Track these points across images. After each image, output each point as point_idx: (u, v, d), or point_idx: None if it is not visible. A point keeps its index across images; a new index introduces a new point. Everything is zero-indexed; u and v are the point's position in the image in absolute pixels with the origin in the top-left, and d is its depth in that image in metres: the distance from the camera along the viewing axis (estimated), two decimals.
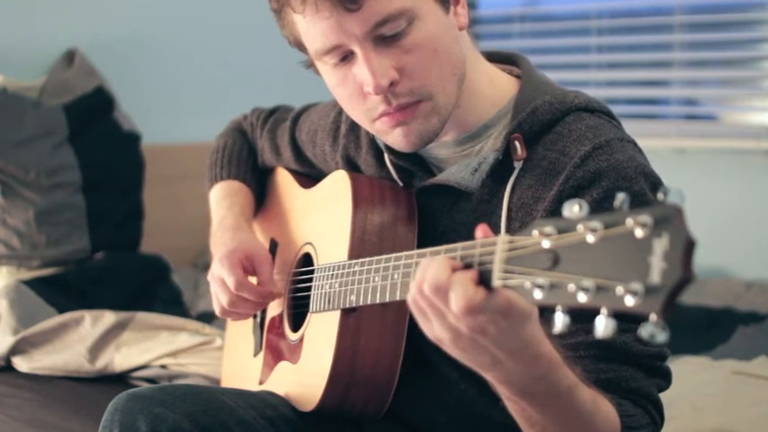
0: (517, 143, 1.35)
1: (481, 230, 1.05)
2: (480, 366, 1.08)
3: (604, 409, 1.18)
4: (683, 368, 2.30)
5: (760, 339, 2.60)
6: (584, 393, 1.14)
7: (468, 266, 1.03)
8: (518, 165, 1.35)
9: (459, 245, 1.06)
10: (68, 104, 2.83)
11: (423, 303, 1.05)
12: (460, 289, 0.99)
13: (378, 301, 1.25)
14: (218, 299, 1.59)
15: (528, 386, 1.09)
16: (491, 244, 1.00)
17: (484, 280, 1.00)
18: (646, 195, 1.28)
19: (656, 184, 1.31)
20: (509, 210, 1.35)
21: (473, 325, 1.01)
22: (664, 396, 1.31)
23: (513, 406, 1.14)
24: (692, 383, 2.21)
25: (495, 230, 1.32)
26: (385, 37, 1.30)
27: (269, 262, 1.61)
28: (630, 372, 1.26)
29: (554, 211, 1.28)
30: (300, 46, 1.39)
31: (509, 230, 1.33)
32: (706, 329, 2.73)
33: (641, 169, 1.31)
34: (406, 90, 1.32)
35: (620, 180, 1.28)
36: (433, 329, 1.06)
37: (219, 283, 1.57)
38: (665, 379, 1.31)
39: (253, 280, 1.61)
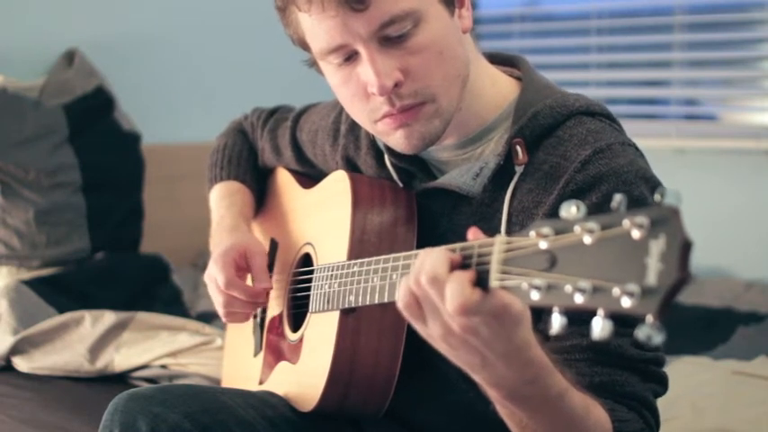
0: (519, 148, 1.35)
1: (472, 233, 1.05)
2: (470, 367, 1.08)
3: (596, 413, 1.17)
4: (683, 368, 2.30)
5: (760, 339, 2.60)
6: (575, 398, 1.13)
7: (466, 265, 1.03)
8: (519, 169, 1.35)
9: (457, 245, 1.05)
10: (68, 104, 2.83)
11: (419, 293, 1.04)
12: (458, 288, 0.99)
13: (376, 302, 1.25)
14: (214, 299, 1.59)
15: (517, 390, 1.09)
16: (489, 245, 1.00)
17: (481, 280, 1.00)
18: (645, 200, 1.27)
19: (655, 188, 1.30)
20: (509, 214, 1.35)
21: (466, 325, 1.01)
22: (664, 396, 1.31)
23: (503, 410, 1.14)
24: (692, 383, 2.21)
25: (495, 234, 1.33)
26: (390, 38, 1.29)
27: (262, 256, 1.61)
28: (625, 376, 1.26)
29: (554, 215, 1.28)
30: (304, 45, 1.39)
31: (509, 234, 1.33)
32: (706, 329, 2.73)
33: (641, 174, 1.30)
34: (411, 92, 1.32)
35: (620, 184, 1.28)
36: (426, 325, 1.06)
37: (213, 282, 1.57)
38: (661, 384, 1.30)
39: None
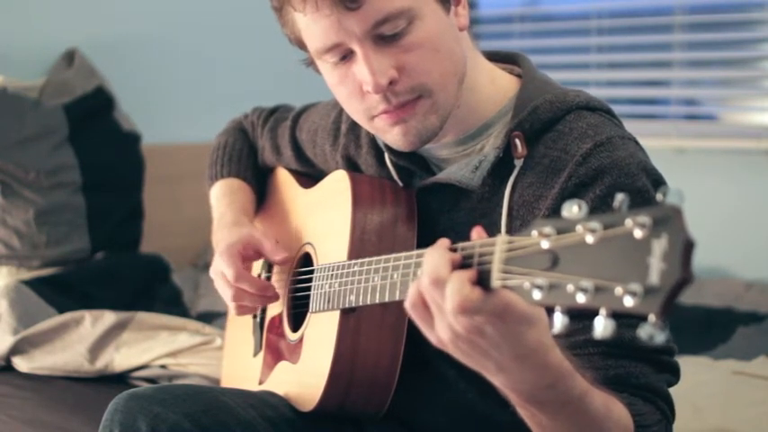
0: (518, 141, 1.35)
1: (476, 232, 1.06)
2: (486, 371, 1.07)
3: (616, 411, 1.17)
4: (683, 368, 2.28)
5: (760, 339, 2.60)
6: (596, 398, 1.13)
7: (467, 264, 1.03)
8: (519, 163, 1.35)
9: (458, 245, 1.05)
10: (68, 104, 2.83)
11: (425, 296, 1.04)
12: (457, 287, 0.99)
13: (377, 301, 1.25)
14: (223, 293, 1.59)
15: (536, 394, 1.08)
16: (490, 244, 1.00)
17: (482, 280, 1.00)
18: (648, 192, 1.28)
19: (657, 180, 1.31)
20: (510, 208, 1.35)
21: (470, 325, 1.00)
22: None
23: (524, 411, 1.13)
24: (692, 383, 2.21)
25: (496, 228, 1.33)
26: (385, 36, 1.30)
27: (268, 237, 1.62)
28: (639, 367, 1.26)
29: (556, 209, 1.28)
30: (301, 44, 1.39)
31: (510, 229, 1.33)
32: (706, 329, 2.73)
33: (643, 166, 1.31)
34: (406, 88, 1.32)
35: (623, 177, 1.28)
36: (435, 329, 1.06)
37: (220, 276, 1.57)
38: (673, 374, 1.31)
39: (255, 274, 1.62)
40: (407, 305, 1.06)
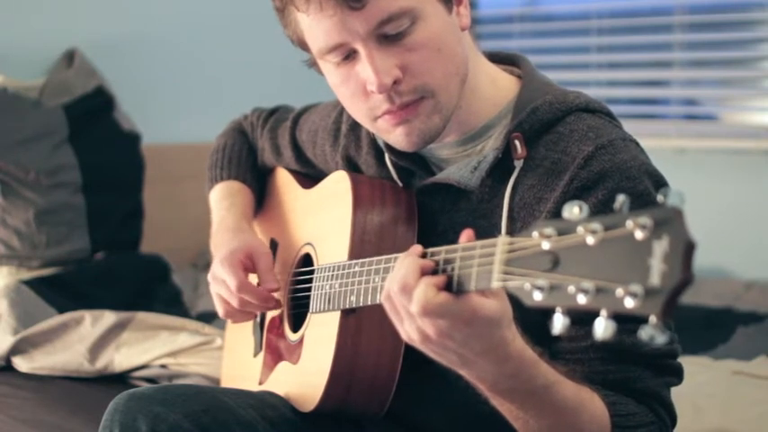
0: (517, 142, 1.35)
1: (465, 235, 1.08)
2: (451, 364, 1.12)
3: (591, 406, 1.20)
4: (684, 368, 2.29)
5: (760, 339, 2.60)
6: (566, 391, 1.16)
7: (443, 271, 1.07)
8: (518, 164, 1.35)
9: (459, 246, 1.07)
10: (68, 104, 2.83)
11: (394, 302, 1.10)
12: (421, 290, 1.05)
13: (378, 302, 1.25)
14: (222, 300, 1.59)
15: (499, 383, 1.13)
16: (491, 245, 1.00)
17: (457, 285, 1.04)
18: (650, 195, 1.28)
19: (659, 182, 1.32)
20: (510, 209, 1.35)
21: (437, 330, 1.06)
22: None
23: (494, 401, 1.18)
24: (692, 383, 2.21)
25: (496, 230, 1.33)
26: (388, 36, 1.30)
27: (269, 256, 1.61)
28: (638, 372, 1.27)
29: (558, 212, 1.28)
30: (303, 45, 1.39)
31: (511, 230, 1.34)
32: (706, 329, 2.73)
33: (645, 168, 1.31)
34: (410, 88, 1.32)
35: (625, 180, 1.28)
36: (404, 329, 1.11)
37: (221, 285, 1.57)
38: (676, 375, 1.32)
39: (253, 278, 1.62)
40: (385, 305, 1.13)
